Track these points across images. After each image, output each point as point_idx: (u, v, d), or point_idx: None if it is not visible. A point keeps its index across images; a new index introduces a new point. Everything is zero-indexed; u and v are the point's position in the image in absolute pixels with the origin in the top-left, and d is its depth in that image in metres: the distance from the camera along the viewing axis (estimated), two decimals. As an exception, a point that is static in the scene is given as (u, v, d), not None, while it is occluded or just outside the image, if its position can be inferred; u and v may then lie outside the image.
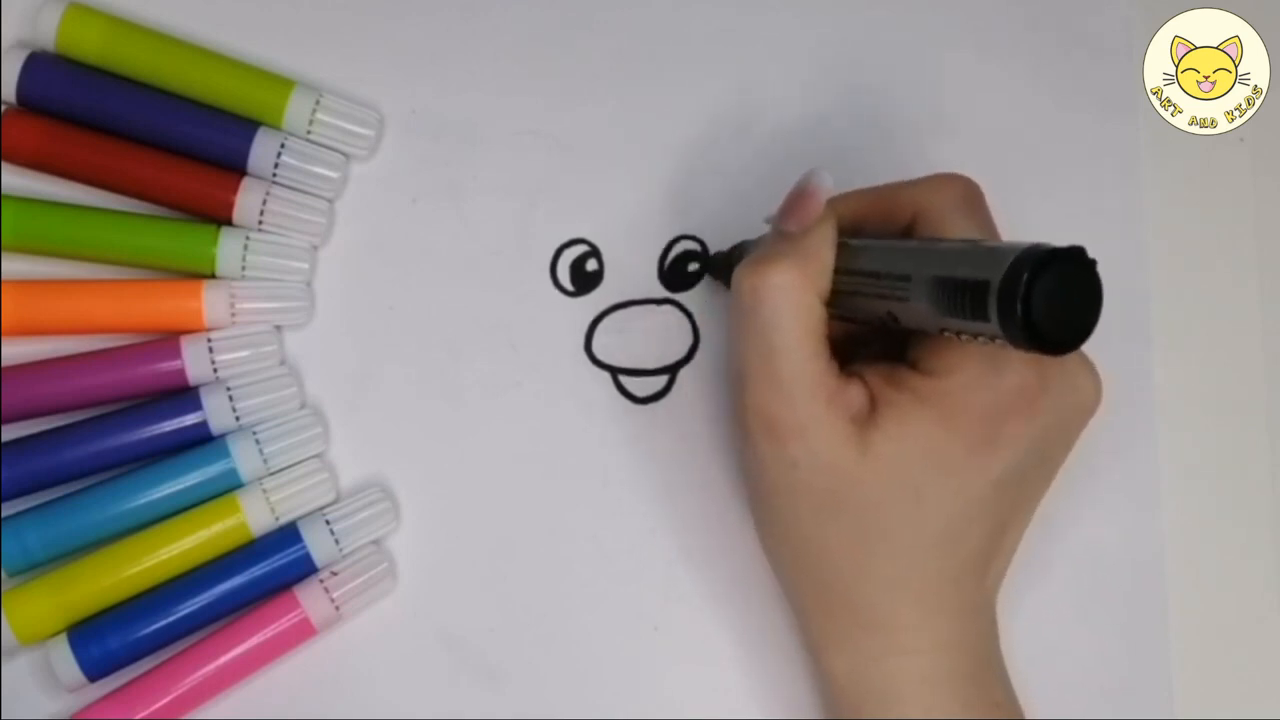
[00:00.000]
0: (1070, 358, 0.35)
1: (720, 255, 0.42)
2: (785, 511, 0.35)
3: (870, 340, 0.37)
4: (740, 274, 0.35)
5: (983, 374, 0.34)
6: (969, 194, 0.36)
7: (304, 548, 0.40)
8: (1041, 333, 0.29)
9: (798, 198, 0.35)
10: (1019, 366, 0.34)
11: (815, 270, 0.34)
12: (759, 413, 0.34)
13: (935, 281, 0.31)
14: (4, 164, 0.42)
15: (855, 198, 0.37)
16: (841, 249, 0.35)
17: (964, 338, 0.31)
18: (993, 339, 0.30)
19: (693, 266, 0.43)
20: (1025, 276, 0.28)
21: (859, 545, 0.34)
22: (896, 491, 0.34)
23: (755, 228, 0.39)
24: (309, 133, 0.42)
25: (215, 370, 0.41)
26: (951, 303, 0.31)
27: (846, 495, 0.34)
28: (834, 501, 0.34)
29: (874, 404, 0.34)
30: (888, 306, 0.33)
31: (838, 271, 0.35)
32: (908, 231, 0.36)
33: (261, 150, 0.42)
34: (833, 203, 0.37)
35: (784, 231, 0.35)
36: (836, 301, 0.35)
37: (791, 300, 0.34)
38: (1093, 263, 0.30)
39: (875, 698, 0.35)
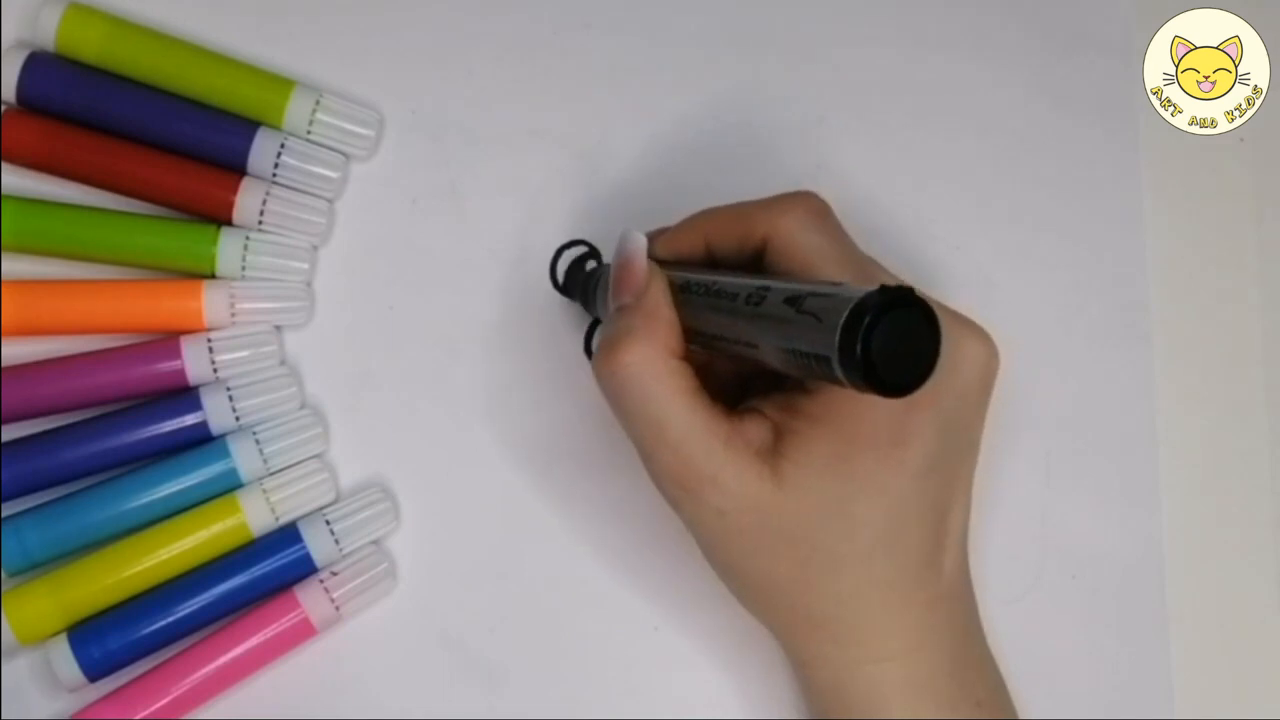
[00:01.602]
0: (956, 328, 0.35)
1: (572, 274, 0.42)
2: (728, 555, 0.35)
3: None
4: (596, 364, 0.35)
5: None
6: (816, 211, 0.36)
7: (304, 548, 0.40)
8: (894, 385, 0.29)
9: (621, 268, 0.36)
10: None
11: (662, 333, 0.34)
12: (668, 476, 0.34)
13: (780, 351, 0.32)
14: (4, 164, 0.42)
15: (706, 220, 0.37)
16: (686, 305, 0.35)
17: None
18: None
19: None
20: (859, 349, 0.29)
21: (805, 569, 0.34)
22: (821, 512, 0.34)
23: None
24: (309, 133, 0.42)
25: (215, 370, 0.41)
26: (802, 369, 0.31)
27: (777, 527, 0.34)
28: (768, 535, 0.34)
29: (777, 434, 0.34)
30: (747, 355, 0.34)
31: (689, 331, 0.35)
32: (760, 251, 0.36)
33: (261, 150, 0.42)
34: (683, 228, 0.37)
35: (622, 305, 0.36)
36: (702, 344, 0.35)
37: (651, 372, 0.34)
38: (920, 301, 0.29)
39: (859, 706, 0.35)
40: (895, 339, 0.29)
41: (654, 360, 0.34)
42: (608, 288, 0.37)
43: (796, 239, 0.35)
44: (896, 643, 0.35)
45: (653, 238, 0.38)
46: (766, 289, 0.33)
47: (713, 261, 0.37)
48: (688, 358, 0.35)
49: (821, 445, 0.34)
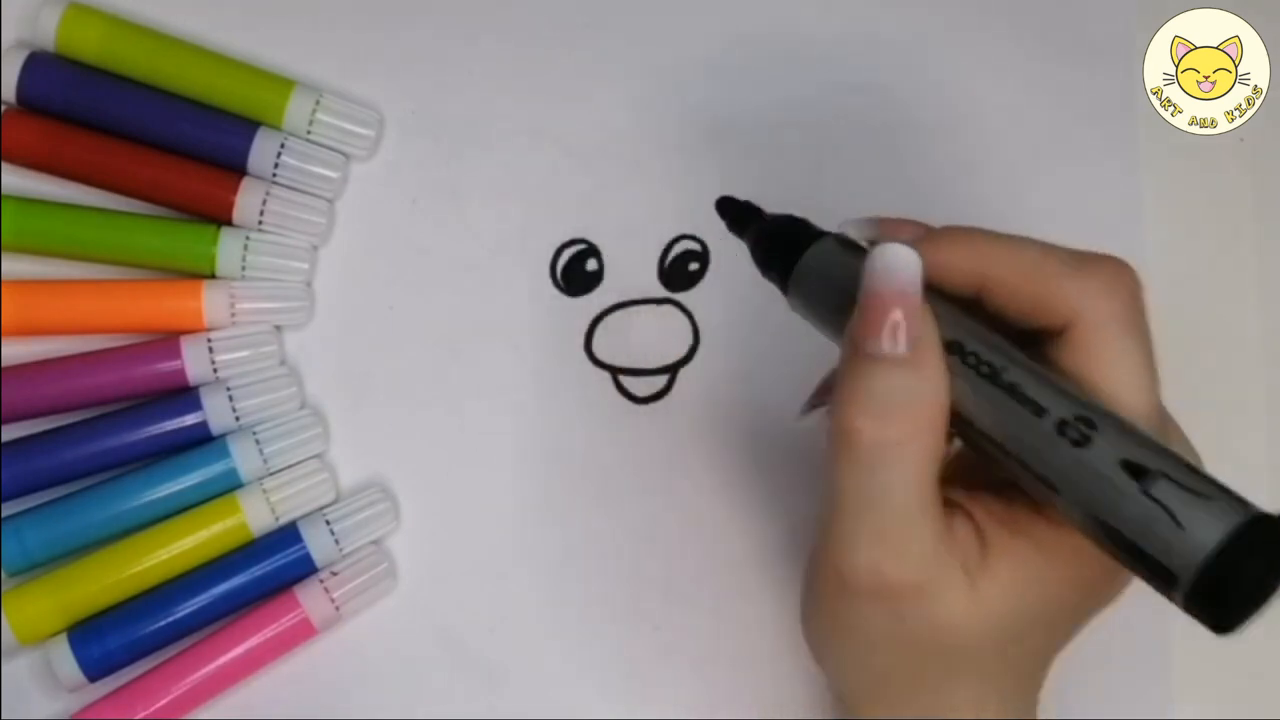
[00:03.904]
0: None
1: (774, 224, 0.34)
2: (870, 652, 0.31)
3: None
4: (849, 419, 0.28)
5: None
6: (1136, 300, 0.30)
7: (304, 548, 0.40)
8: (1227, 627, 0.24)
9: (883, 300, 0.28)
10: None
11: (938, 411, 0.28)
12: (869, 572, 0.29)
13: (1098, 522, 0.26)
14: (4, 164, 0.42)
15: (989, 253, 0.30)
16: (951, 373, 0.28)
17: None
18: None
19: (693, 266, 0.43)
20: (1221, 577, 0.24)
21: (946, 680, 0.31)
22: (1000, 638, 0.30)
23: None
24: (309, 133, 0.42)
25: (215, 370, 0.41)
26: (1117, 551, 0.26)
27: (946, 642, 0.30)
28: (931, 648, 0.30)
29: (984, 543, 0.30)
30: (1021, 477, 0.28)
31: (957, 418, 0.29)
32: (1053, 332, 0.30)
33: (261, 150, 0.42)
34: (955, 250, 0.30)
35: (875, 352, 0.28)
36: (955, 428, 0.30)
37: (913, 459, 0.28)
38: None
39: None
40: (1252, 578, 0.24)
41: (919, 446, 0.28)
42: (825, 290, 0.31)
43: (1112, 343, 0.29)
44: None
45: (892, 234, 0.30)
46: (1091, 426, 0.26)
47: (977, 305, 0.30)
48: (949, 440, 0.29)
49: (1038, 578, 0.30)
